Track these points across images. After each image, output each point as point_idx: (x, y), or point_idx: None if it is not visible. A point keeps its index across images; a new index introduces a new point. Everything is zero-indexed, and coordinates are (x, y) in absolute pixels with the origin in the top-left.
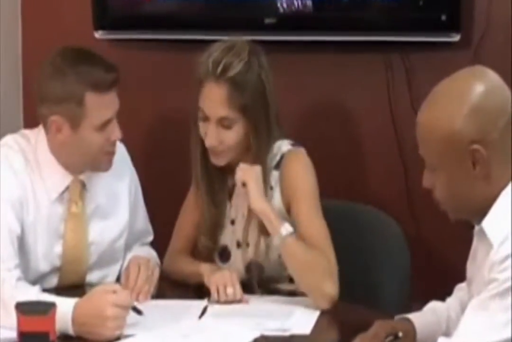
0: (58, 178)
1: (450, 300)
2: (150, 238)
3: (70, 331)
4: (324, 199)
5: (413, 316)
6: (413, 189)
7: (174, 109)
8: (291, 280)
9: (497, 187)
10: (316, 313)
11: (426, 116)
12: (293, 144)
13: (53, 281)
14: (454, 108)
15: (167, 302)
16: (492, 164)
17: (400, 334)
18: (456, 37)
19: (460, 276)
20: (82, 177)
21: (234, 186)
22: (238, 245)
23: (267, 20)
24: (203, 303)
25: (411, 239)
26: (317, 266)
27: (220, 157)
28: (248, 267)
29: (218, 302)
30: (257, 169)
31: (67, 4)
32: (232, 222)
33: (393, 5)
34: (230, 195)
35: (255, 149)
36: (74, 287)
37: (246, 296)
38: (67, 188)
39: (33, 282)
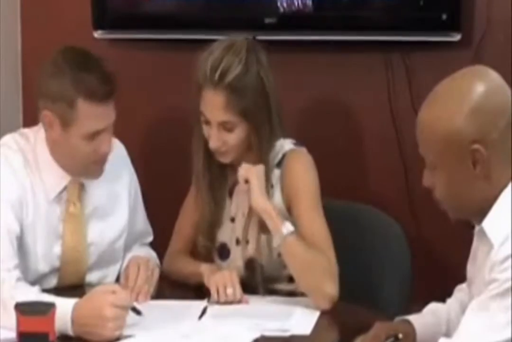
0: (57, 178)
1: (450, 301)
2: (150, 238)
3: (70, 331)
4: (324, 199)
5: (413, 318)
6: (414, 188)
7: (173, 109)
8: (290, 280)
9: (497, 187)
10: (316, 314)
11: (427, 116)
12: (295, 144)
13: (53, 282)
14: (454, 108)
15: (167, 302)
16: (492, 164)
17: (400, 335)
18: (456, 37)
19: (460, 276)
20: (81, 177)
21: (234, 183)
22: (237, 242)
23: (267, 20)
24: (203, 303)
25: (412, 239)
26: (317, 266)
27: (225, 156)
28: (248, 264)
29: (218, 302)
30: (260, 168)
31: (66, 4)
32: (232, 220)
33: (394, 4)
34: (231, 193)
35: (258, 148)
36: (73, 288)
37: (246, 296)
38: (65, 188)
39: (33, 283)
